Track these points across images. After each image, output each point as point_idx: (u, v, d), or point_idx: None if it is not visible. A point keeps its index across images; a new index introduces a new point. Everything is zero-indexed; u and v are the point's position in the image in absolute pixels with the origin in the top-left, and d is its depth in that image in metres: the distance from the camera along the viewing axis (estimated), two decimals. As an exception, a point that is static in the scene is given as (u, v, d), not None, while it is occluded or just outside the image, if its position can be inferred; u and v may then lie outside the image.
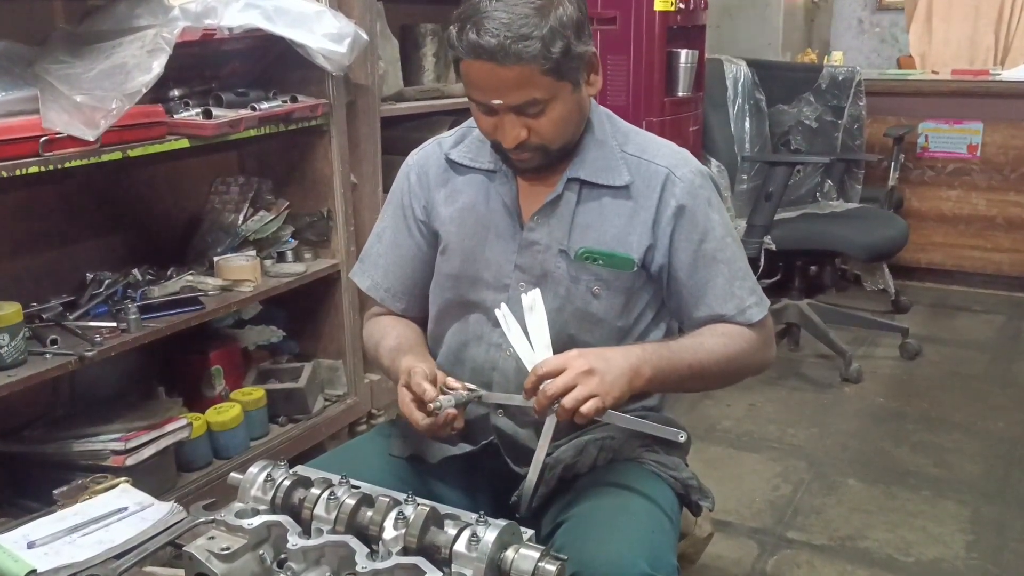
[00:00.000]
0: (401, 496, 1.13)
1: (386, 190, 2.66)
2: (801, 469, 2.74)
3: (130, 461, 1.98)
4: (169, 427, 2.08)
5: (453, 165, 1.51)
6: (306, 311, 2.66)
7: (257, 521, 1.13)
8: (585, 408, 1.23)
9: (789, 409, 3.17)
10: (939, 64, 5.08)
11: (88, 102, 1.78)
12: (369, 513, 1.12)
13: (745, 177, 3.70)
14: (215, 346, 2.43)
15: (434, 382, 1.32)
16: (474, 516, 1.09)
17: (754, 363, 1.48)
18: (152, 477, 2.06)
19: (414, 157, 1.56)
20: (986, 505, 2.52)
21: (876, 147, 4.27)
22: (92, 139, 1.79)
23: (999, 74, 4.56)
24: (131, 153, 1.93)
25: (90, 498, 1.43)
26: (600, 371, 1.25)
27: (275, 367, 2.59)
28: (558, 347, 1.38)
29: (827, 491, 2.62)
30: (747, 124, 3.77)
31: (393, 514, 1.09)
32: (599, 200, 1.42)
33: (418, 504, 1.11)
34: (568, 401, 1.23)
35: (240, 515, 1.16)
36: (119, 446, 1.98)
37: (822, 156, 3.74)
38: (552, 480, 1.41)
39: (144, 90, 1.82)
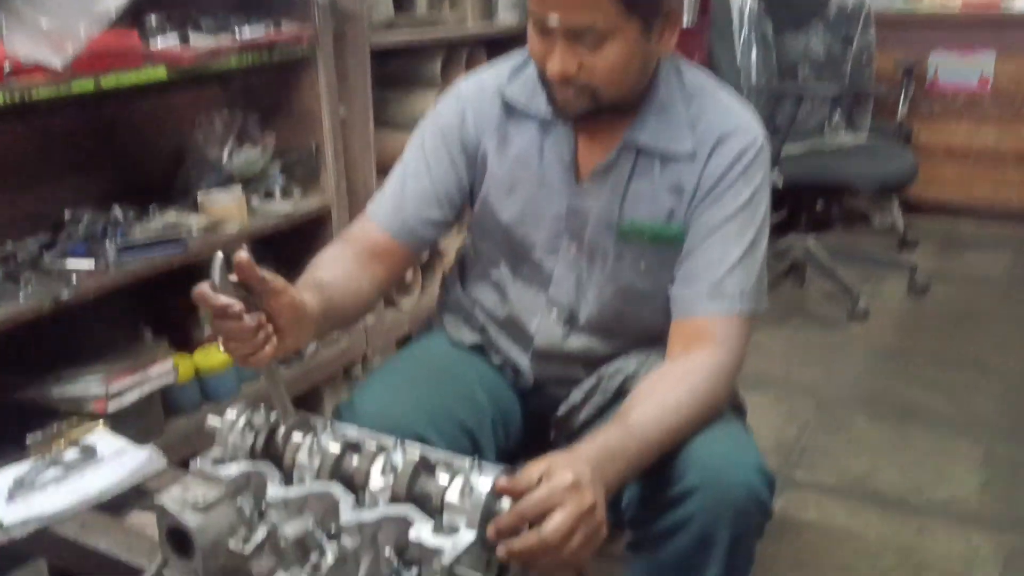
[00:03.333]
0: (389, 441, 1.06)
1: (378, 125, 2.59)
2: (808, 408, 2.67)
3: (112, 406, 1.89)
4: (154, 371, 2.00)
5: (505, 107, 1.37)
6: (296, 252, 2.54)
7: (235, 469, 1.06)
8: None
9: (795, 348, 3.09)
10: (949, -8, 4.92)
11: (55, 26, 1.66)
12: (355, 460, 1.04)
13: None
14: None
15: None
16: (468, 461, 1.01)
17: (723, 394, 1.27)
18: (138, 421, 1.98)
19: (468, 89, 1.41)
20: (1000, 444, 2.46)
21: (885, 79, 4.14)
22: (60, 67, 1.67)
23: (1011, 3, 4.41)
24: (104, 83, 1.80)
25: (64, 444, 1.37)
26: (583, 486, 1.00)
27: (266, 309, 2.50)
28: (607, 322, 1.36)
29: (835, 431, 2.55)
30: (753, 55, 3.63)
31: (380, 461, 1.02)
32: (655, 169, 1.30)
33: (407, 451, 1.03)
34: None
35: (217, 463, 1.09)
36: (101, 390, 1.90)
37: (831, 87, 3.61)
38: (609, 389, 1.38)
39: (115, 15, 1.70)
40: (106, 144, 2.27)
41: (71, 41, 1.67)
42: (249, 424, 1.12)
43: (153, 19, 1.97)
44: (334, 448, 1.05)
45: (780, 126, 3.16)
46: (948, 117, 4.32)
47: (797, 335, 3.20)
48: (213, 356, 2.19)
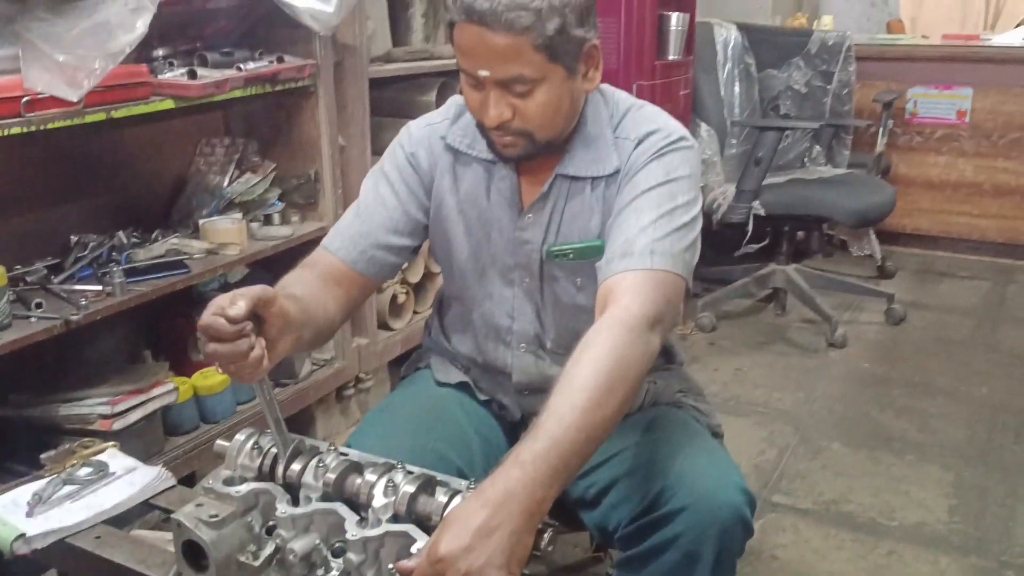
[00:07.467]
0: (391, 463, 1.13)
1: (375, 152, 2.67)
2: (787, 433, 2.76)
3: (117, 425, 1.96)
4: (156, 391, 2.07)
5: (451, 150, 1.45)
6: (293, 275, 2.64)
7: (245, 488, 1.13)
8: None
9: (775, 374, 3.18)
10: (929, 28, 5.05)
11: (70, 61, 1.74)
12: (358, 480, 1.11)
13: (734, 142, 3.69)
14: (201, 310, 2.40)
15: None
16: (465, 483, 1.09)
17: (634, 342, 1.14)
18: (140, 441, 2.05)
19: (418, 131, 1.48)
20: (969, 470, 2.55)
21: (865, 112, 4.26)
22: (75, 100, 1.75)
23: (990, 39, 4.55)
24: (115, 114, 1.89)
25: (77, 462, 1.43)
26: (479, 551, 0.95)
27: (262, 331, 2.57)
28: (565, 341, 1.39)
29: (812, 455, 2.64)
30: (736, 88, 3.75)
31: (383, 481, 1.09)
32: (585, 192, 1.39)
33: (408, 472, 1.11)
34: None
35: (228, 483, 1.16)
36: (106, 410, 1.97)
37: (811, 121, 3.73)
38: None
39: (128, 50, 1.78)
40: (109, 169, 2.34)
41: (86, 75, 1.75)
42: (257, 446, 1.19)
43: (161, 54, 2.05)
44: (339, 469, 1.13)
45: (763, 158, 3.26)
46: (926, 150, 4.44)
47: (777, 361, 3.29)
48: (211, 377, 2.26)
